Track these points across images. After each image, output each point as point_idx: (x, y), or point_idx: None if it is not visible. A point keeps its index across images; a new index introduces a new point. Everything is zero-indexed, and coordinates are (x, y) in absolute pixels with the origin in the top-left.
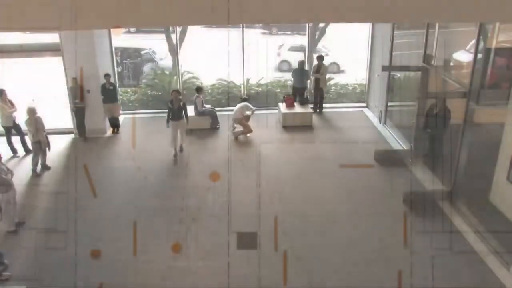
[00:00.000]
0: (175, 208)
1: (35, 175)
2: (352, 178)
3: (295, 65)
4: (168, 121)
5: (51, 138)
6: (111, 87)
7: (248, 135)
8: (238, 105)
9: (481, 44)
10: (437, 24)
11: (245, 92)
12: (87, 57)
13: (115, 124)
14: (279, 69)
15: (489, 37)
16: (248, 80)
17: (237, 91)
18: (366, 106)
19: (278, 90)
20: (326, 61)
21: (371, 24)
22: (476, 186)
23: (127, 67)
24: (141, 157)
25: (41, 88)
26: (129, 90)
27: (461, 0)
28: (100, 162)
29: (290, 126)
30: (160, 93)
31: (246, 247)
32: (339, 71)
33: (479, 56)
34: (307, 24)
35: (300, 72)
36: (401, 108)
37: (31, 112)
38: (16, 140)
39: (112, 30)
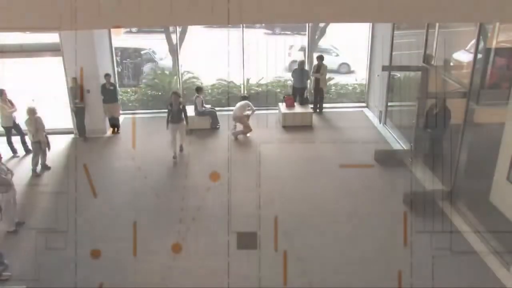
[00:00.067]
0: (175, 208)
1: (35, 175)
2: (352, 178)
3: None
4: (167, 123)
5: (51, 138)
6: (111, 87)
7: (248, 135)
8: (239, 103)
9: (481, 44)
10: (437, 24)
11: (245, 91)
12: (87, 57)
13: (115, 124)
14: (290, 69)
15: (489, 37)
16: (248, 80)
17: (237, 91)
18: (366, 106)
19: (278, 90)
20: (337, 62)
21: (371, 24)
22: (476, 186)
23: (127, 67)
24: (141, 157)
25: (41, 88)
26: (129, 90)
27: (461, 0)
28: (100, 162)
29: (290, 126)
30: (160, 93)
31: (246, 247)
32: (349, 71)
33: (479, 56)
34: (307, 24)
35: (300, 72)
36: (401, 108)
37: (31, 112)
38: (16, 140)
39: (112, 30)
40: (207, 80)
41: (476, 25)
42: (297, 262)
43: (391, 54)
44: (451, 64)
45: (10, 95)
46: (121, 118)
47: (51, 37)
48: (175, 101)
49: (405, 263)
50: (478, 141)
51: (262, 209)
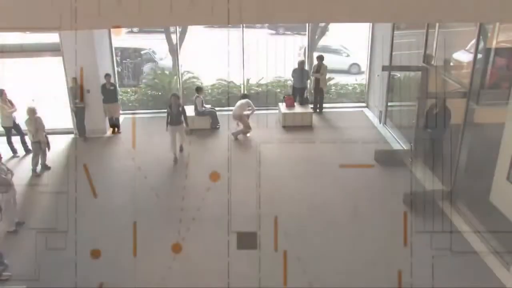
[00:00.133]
0: (175, 208)
1: (35, 175)
2: (352, 178)
3: None
4: (167, 125)
5: (51, 138)
6: (112, 87)
7: (248, 135)
8: (239, 102)
9: (481, 44)
10: (437, 24)
11: (245, 91)
12: (87, 57)
13: (115, 124)
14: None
15: (489, 37)
16: (248, 80)
17: (237, 91)
18: (366, 106)
19: (278, 90)
20: (347, 62)
21: (371, 24)
22: (476, 186)
23: (127, 67)
24: (141, 157)
25: (41, 88)
26: (129, 90)
27: (461, 0)
28: (100, 162)
29: (290, 126)
30: (160, 93)
31: (246, 247)
32: (359, 72)
33: (479, 56)
34: (307, 24)
35: (300, 72)
36: (401, 108)
37: (31, 112)
38: (16, 140)
39: (112, 30)
40: (207, 80)
41: (476, 25)
42: (297, 262)
43: (391, 54)
44: (451, 64)
45: (10, 95)
46: (121, 118)
47: (51, 37)
48: (174, 103)
49: (405, 263)
50: (478, 141)
51: (262, 209)
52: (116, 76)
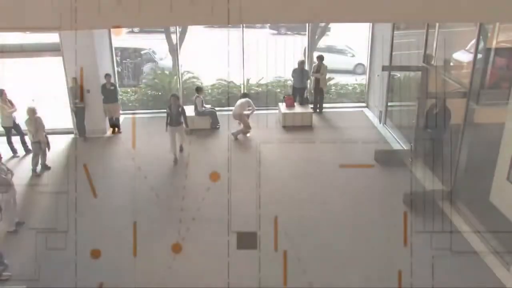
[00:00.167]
0: (175, 208)
1: (35, 175)
2: (352, 178)
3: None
4: (167, 126)
5: (51, 138)
6: (112, 87)
7: (248, 135)
8: (239, 101)
9: (481, 44)
10: (437, 24)
11: (245, 91)
12: (87, 57)
13: (115, 124)
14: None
15: (489, 37)
16: (248, 80)
17: (237, 91)
18: (366, 106)
19: (278, 90)
20: (352, 63)
21: (371, 24)
22: (476, 186)
23: (127, 67)
24: (141, 157)
25: (41, 88)
26: (129, 90)
27: (461, 0)
28: (100, 162)
29: (290, 126)
30: (160, 93)
31: (246, 247)
32: (364, 72)
33: (479, 56)
34: (307, 24)
35: (300, 72)
36: (401, 108)
37: (31, 112)
38: (16, 140)
39: (112, 30)
40: (207, 80)
41: (476, 25)
42: (297, 262)
43: (391, 54)
44: (451, 64)
45: (10, 95)
46: (121, 118)
47: (51, 37)
48: (174, 104)
49: (405, 263)
50: (478, 141)
51: (262, 209)
52: (116, 76)
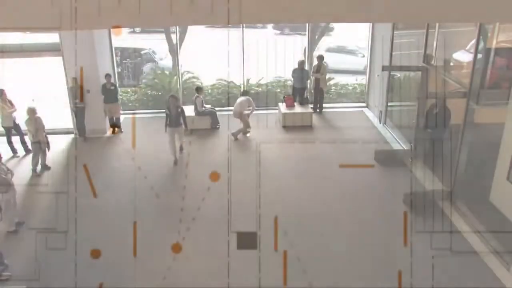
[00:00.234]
0: (175, 208)
1: (35, 175)
2: (352, 178)
3: (332, 66)
4: (166, 127)
5: (51, 138)
6: (112, 87)
7: (248, 135)
8: (239, 99)
9: (481, 44)
10: (437, 24)
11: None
12: (87, 57)
13: (115, 124)
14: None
15: (489, 37)
16: (248, 80)
17: (237, 91)
18: (366, 106)
19: (278, 90)
20: (362, 63)
21: (371, 24)
22: (476, 186)
23: (127, 67)
24: (141, 157)
25: (41, 88)
26: (129, 90)
27: (461, 0)
28: (100, 162)
29: (290, 126)
30: (160, 93)
31: (246, 247)
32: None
33: (479, 56)
34: (307, 24)
35: (300, 72)
36: (401, 108)
37: (31, 112)
38: (16, 140)
39: (112, 30)
40: (207, 80)
41: (476, 25)
42: (297, 262)
43: (391, 54)
44: (451, 64)
45: (10, 95)
46: (121, 118)
47: (51, 37)
48: (173, 105)
49: (405, 263)
50: (478, 141)
51: (262, 209)
52: (116, 76)
